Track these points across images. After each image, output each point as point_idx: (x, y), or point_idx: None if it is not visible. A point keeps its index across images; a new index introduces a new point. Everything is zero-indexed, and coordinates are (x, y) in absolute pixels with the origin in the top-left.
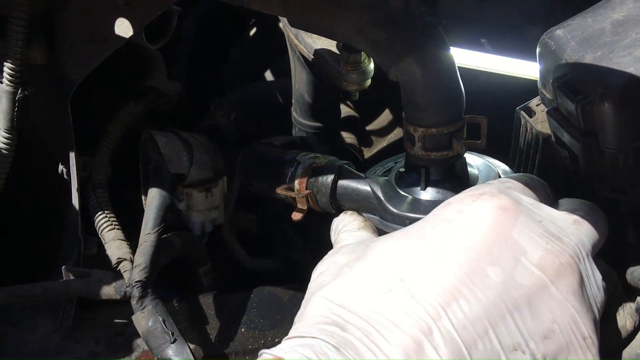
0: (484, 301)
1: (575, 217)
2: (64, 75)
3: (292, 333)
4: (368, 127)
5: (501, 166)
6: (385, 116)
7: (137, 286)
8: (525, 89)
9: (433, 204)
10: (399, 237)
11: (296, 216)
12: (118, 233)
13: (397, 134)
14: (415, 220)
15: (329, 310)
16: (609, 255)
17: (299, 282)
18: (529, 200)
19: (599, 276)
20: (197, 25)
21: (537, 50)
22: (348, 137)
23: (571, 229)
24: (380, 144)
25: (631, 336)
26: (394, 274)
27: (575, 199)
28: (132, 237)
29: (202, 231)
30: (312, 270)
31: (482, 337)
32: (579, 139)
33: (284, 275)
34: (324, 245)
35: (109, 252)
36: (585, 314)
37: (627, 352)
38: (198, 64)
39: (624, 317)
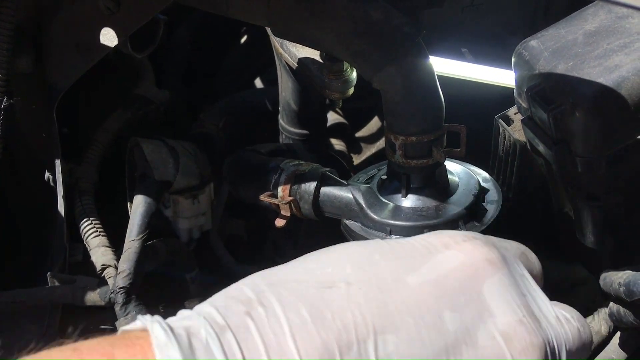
0: (427, 345)
1: (564, 314)
2: (50, 84)
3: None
4: (357, 134)
5: (481, 174)
6: (375, 123)
7: (120, 292)
8: (504, 98)
9: (413, 211)
10: (371, 245)
11: (279, 222)
12: (103, 240)
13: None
14: (396, 227)
15: (253, 285)
16: (589, 262)
17: None
18: (521, 271)
19: None
20: (190, 33)
21: (512, 60)
22: (337, 144)
23: (553, 321)
24: (370, 150)
25: (606, 341)
26: (344, 274)
27: (568, 306)
28: (118, 244)
29: (189, 237)
30: None
31: None
32: (552, 147)
33: None
34: (311, 252)
35: (93, 258)
36: None
37: (601, 357)
38: (192, 72)
39: (599, 322)
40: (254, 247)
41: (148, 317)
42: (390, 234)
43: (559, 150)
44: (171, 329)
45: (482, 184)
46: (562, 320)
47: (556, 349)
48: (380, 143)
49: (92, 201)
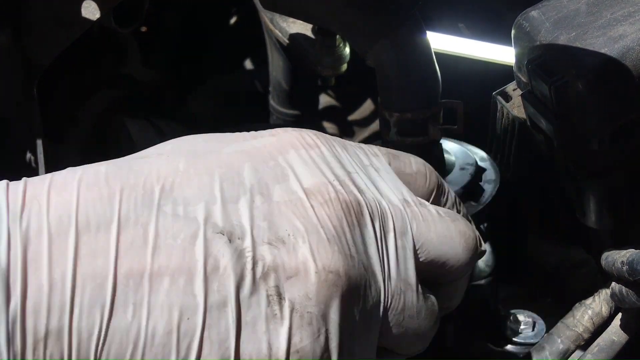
0: (216, 192)
1: (428, 206)
2: (30, 59)
3: None
4: (350, 118)
5: (478, 153)
6: (368, 106)
7: None
8: (502, 75)
9: None
10: (204, 135)
11: None
12: None
13: (379, 124)
14: None
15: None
16: (588, 244)
17: None
18: (362, 157)
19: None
20: (178, 13)
21: (512, 32)
22: (329, 127)
23: (394, 199)
24: (363, 134)
25: (607, 322)
26: (162, 150)
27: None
28: None
29: None
30: None
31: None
32: (554, 122)
33: None
34: None
35: None
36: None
37: (602, 339)
38: (180, 54)
39: (600, 304)
40: None
41: None
42: None
43: (561, 125)
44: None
45: (479, 163)
46: (413, 203)
47: (383, 220)
48: (374, 126)
49: None
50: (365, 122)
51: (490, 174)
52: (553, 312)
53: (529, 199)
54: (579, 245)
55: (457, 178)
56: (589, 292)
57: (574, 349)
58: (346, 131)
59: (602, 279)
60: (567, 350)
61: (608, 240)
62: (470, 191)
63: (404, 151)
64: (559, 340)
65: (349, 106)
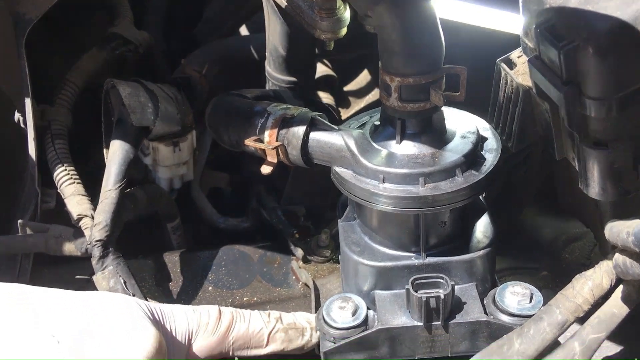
0: None
1: None
2: (19, 14)
3: None
4: (346, 88)
5: (480, 121)
6: (364, 77)
7: (97, 245)
8: (507, 43)
9: (408, 158)
10: None
11: (265, 169)
12: (78, 187)
13: (375, 94)
14: (390, 174)
15: None
16: (586, 216)
17: (269, 242)
18: None
19: None
20: None
21: None
22: (325, 96)
23: None
24: (358, 104)
25: (607, 295)
26: None
27: None
28: (94, 192)
29: (170, 188)
30: (283, 230)
31: None
32: (561, 87)
33: (255, 235)
34: (296, 206)
35: (68, 207)
36: None
37: (602, 311)
38: (173, 21)
39: (601, 275)
40: (237, 199)
41: None
42: (384, 182)
43: (569, 92)
44: None
45: (481, 132)
46: None
47: None
48: (370, 97)
49: (66, 146)
50: (361, 93)
51: (491, 143)
52: (548, 285)
53: (529, 169)
54: (576, 218)
55: (458, 146)
56: (584, 266)
57: (572, 321)
58: (342, 102)
59: (600, 252)
60: (566, 321)
61: (610, 212)
62: (471, 160)
63: (404, 117)
64: (558, 312)
65: (345, 77)
